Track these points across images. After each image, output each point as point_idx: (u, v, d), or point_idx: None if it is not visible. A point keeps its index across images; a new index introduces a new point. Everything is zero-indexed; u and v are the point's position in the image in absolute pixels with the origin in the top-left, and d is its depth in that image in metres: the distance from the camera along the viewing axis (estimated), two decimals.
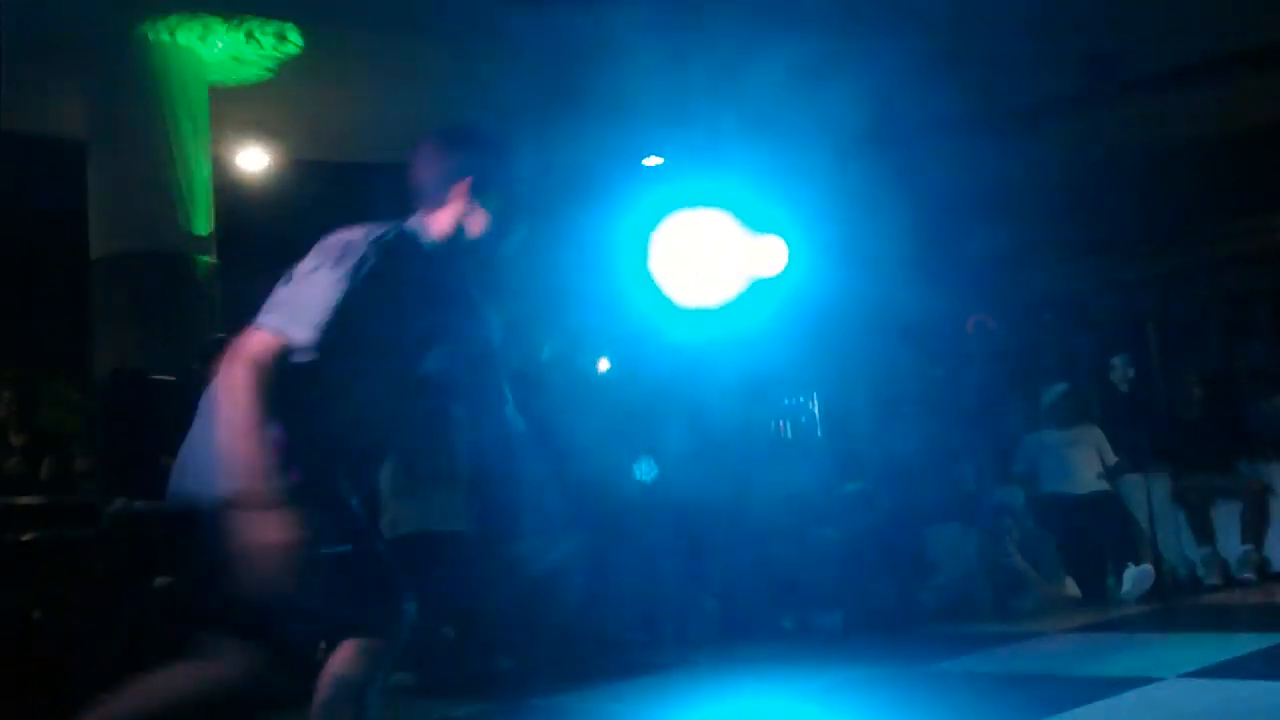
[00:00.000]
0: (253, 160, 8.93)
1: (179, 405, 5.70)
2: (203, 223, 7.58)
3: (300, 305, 2.24)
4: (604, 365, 8.02)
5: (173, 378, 5.92)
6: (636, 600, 6.26)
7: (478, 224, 2.39)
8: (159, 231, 7.37)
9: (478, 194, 2.38)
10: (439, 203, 2.39)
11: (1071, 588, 6.73)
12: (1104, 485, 7.07)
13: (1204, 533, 6.99)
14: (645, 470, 6.37)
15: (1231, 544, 6.93)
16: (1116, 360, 7.87)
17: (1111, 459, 7.19)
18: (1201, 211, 10.62)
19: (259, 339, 2.25)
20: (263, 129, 8.91)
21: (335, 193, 9.27)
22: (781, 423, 8.53)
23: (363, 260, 2.25)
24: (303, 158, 9.43)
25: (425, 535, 5.61)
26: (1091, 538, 6.80)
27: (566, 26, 7.75)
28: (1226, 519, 7.00)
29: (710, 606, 6.49)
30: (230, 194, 8.50)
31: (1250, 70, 10.83)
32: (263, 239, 9.24)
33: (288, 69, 8.12)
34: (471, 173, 2.37)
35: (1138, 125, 11.27)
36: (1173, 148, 11.18)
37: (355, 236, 2.30)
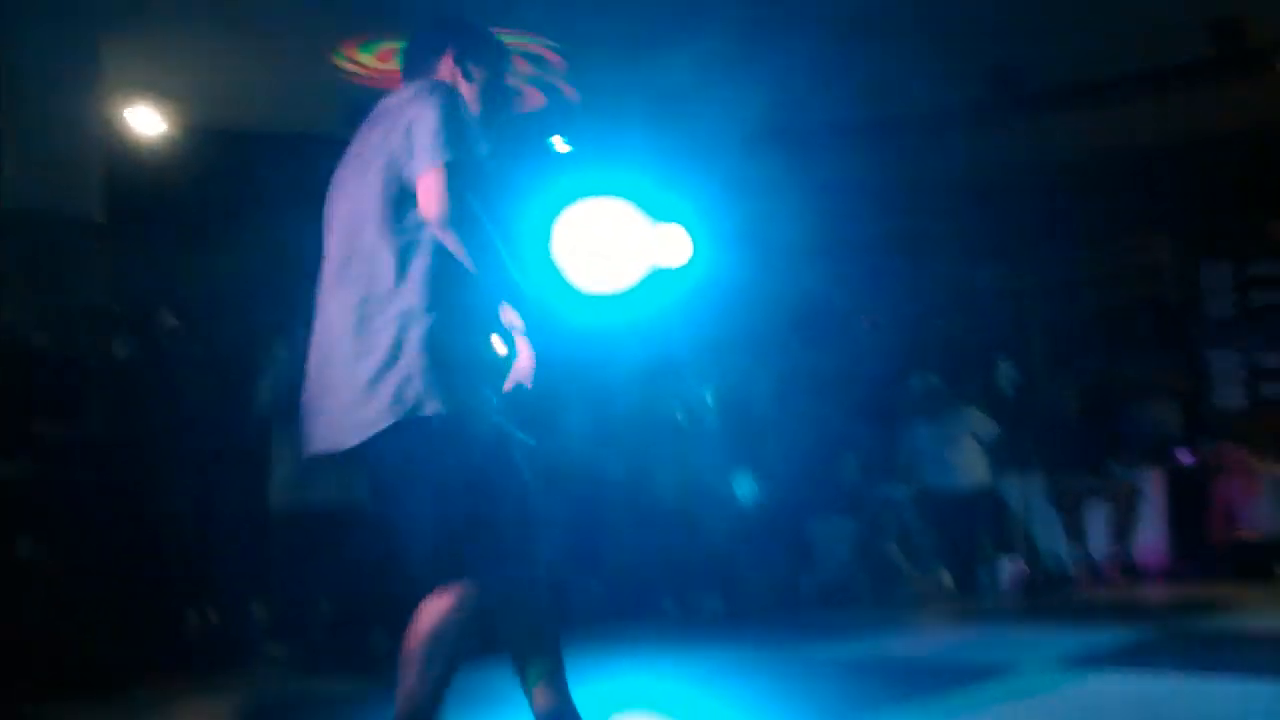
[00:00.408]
0: (147, 123, 8.66)
1: (56, 370, 5.57)
2: (89, 183, 7.32)
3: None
4: (501, 349, 7.97)
5: (50, 342, 5.75)
6: None
7: (465, 95, 2.54)
8: (48, 190, 7.06)
9: (460, 64, 2.59)
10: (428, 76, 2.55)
11: (947, 579, 6.90)
12: (984, 480, 7.27)
13: (1076, 531, 7.24)
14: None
15: (1100, 543, 7.19)
16: (1002, 365, 8.10)
17: (988, 432, 7.33)
18: (1090, 225, 10.95)
19: (434, 177, 2.30)
20: (157, 90, 8.66)
21: (229, 161, 9.07)
22: (678, 410, 8.60)
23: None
24: (199, 124, 9.20)
25: (313, 509, 5.53)
26: (969, 532, 6.99)
27: (473, 8, 7.69)
28: (1098, 519, 7.25)
29: (595, 587, 6.52)
30: (122, 157, 8.25)
31: (1144, 92, 11.19)
32: (154, 205, 9.02)
33: (185, 32, 7.90)
34: (454, 46, 2.60)
35: (1034, 138, 11.56)
36: (1066, 162, 11.50)
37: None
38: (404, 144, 2.34)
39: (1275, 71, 9.84)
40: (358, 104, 10.03)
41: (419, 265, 2.35)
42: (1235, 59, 10.34)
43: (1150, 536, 7.20)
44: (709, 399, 7.77)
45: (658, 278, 7.88)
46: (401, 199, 2.36)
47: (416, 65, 2.61)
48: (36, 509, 5.13)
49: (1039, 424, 7.76)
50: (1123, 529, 7.17)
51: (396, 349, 2.31)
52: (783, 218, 9.78)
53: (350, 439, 2.36)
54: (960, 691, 3.87)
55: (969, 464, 7.27)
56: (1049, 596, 6.73)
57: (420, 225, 2.34)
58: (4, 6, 7.18)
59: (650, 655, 5.35)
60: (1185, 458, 7.54)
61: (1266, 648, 4.63)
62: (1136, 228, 10.78)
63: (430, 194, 2.29)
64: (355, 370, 2.32)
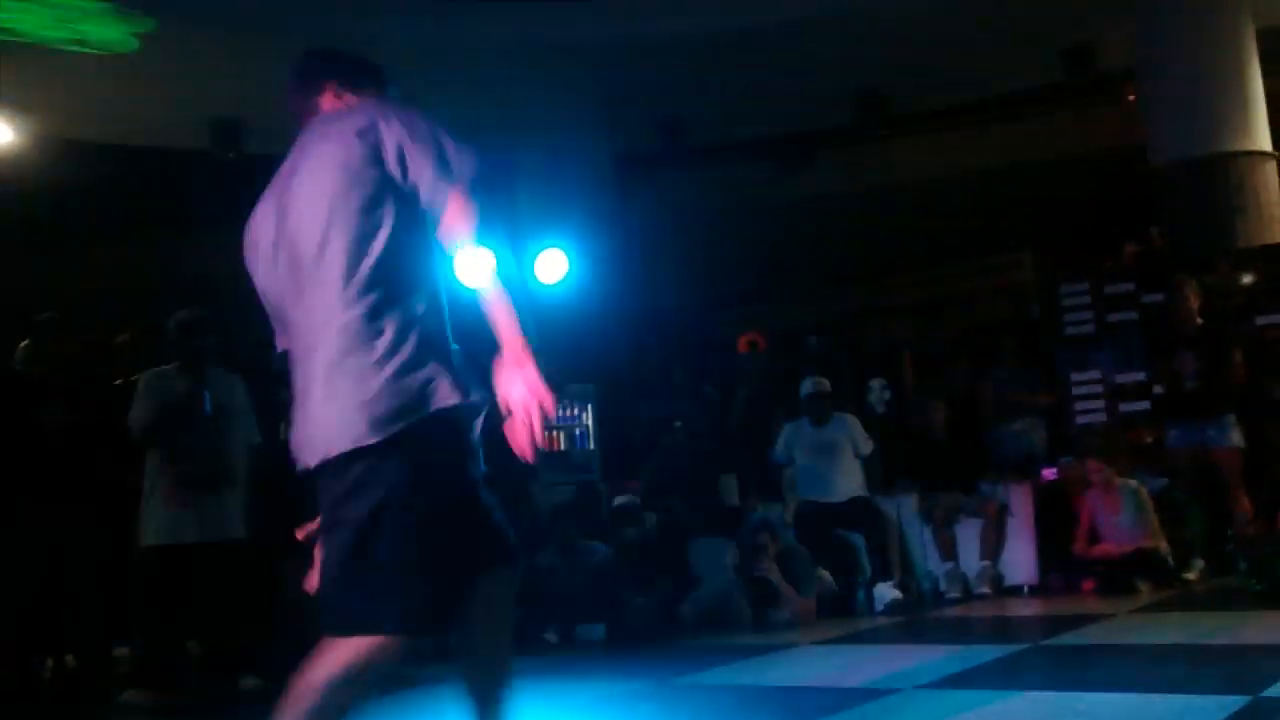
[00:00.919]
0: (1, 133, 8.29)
1: None
2: None
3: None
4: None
5: None
6: None
7: None
8: None
9: (340, 94, 2.64)
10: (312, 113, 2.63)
11: (824, 597, 6.96)
12: (861, 493, 7.36)
13: (947, 549, 7.39)
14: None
15: (971, 560, 7.36)
16: (874, 384, 8.25)
17: (867, 447, 7.44)
18: (955, 246, 11.27)
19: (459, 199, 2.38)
20: (9, 101, 8.28)
21: (83, 174, 8.72)
22: (555, 433, 8.55)
23: None
24: (52, 134, 8.83)
25: (193, 547, 5.28)
26: (845, 549, 7.07)
27: (344, 29, 7.53)
28: (967, 536, 7.42)
29: None
30: None
31: (1003, 115, 11.60)
32: (11, 216, 8.62)
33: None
34: (334, 76, 2.66)
35: (901, 161, 11.88)
36: (931, 184, 11.85)
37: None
38: (395, 163, 2.38)
39: (1125, 97, 10.30)
40: (226, 120, 9.78)
41: (383, 285, 2.37)
42: (1087, 84, 10.80)
43: (1018, 552, 7.39)
44: (588, 422, 7.72)
45: (538, 298, 7.81)
46: (369, 209, 2.37)
47: (300, 96, 2.66)
48: None
49: (911, 443, 7.91)
50: (991, 546, 7.34)
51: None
52: (658, 238, 9.84)
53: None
54: (837, 714, 3.90)
55: (845, 474, 7.34)
56: (923, 615, 6.85)
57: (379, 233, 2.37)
58: None
59: (532, 687, 5.26)
60: (1050, 474, 7.77)
61: (1131, 660, 4.77)
62: (999, 247, 11.14)
63: (460, 213, 2.37)
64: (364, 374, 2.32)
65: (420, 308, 2.38)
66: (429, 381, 2.32)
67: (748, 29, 9.14)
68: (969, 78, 10.73)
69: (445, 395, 2.32)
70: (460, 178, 2.37)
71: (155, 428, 5.26)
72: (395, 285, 2.37)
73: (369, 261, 2.35)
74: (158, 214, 10.09)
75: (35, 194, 8.68)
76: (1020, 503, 7.47)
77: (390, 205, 2.38)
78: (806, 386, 7.47)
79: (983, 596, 7.16)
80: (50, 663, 5.64)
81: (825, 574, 6.88)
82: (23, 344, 5.75)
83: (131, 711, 5.10)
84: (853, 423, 7.52)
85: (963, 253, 11.21)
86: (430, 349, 2.36)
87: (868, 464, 7.50)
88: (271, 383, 5.49)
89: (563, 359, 7.98)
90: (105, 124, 9.16)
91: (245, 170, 8.80)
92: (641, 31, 8.81)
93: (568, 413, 8.45)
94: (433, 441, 2.32)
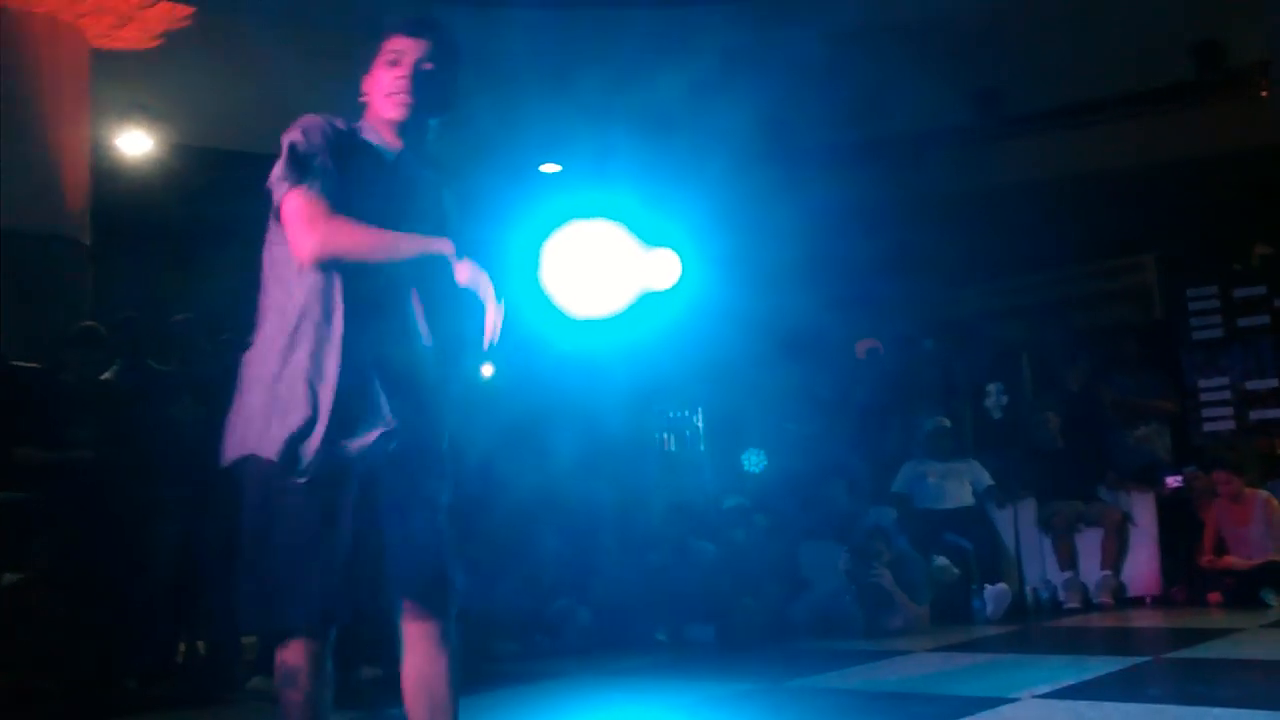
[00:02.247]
0: (133, 142, 8.62)
1: (42, 392, 5.50)
2: (77, 203, 7.28)
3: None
4: (488, 371, 7.96)
5: (36, 364, 5.68)
6: (512, 609, 6.22)
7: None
8: (36, 210, 7.01)
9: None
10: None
11: (936, 603, 6.88)
12: (972, 502, 7.30)
13: (1066, 557, 7.23)
14: (755, 461, 6.29)
15: (1091, 569, 7.18)
16: (991, 388, 8.10)
17: (985, 484, 7.42)
18: (1075, 246, 10.99)
19: (296, 198, 2.26)
20: (145, 110, 8.62)
21: (216, 180, 9.03)
22: (667, 435, 8.59)
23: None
24: (185, 142, 9.16)
25: None
26: (957, 554, 6.99)
27: (462, 29, 7.66)
28: (1087, 545, 7.24)
29: (584, 617, 6.48)
30: (109, 176, 8.21)
31: (1127, 113, 11.27)
32: (139, 224, 8.96)
33: (173, 49, 7.88)
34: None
35: (1020, 160, 11.63)
36: (1051, 183, 11.56)
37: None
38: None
39: (1256, 94, 9.93)
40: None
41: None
42: (1217, 81, 10.44)
43: (1140, 562, 7.19)
44: (699, 424, 7.75)
45: (647, 301, 7.86)
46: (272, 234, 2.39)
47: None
48: (21, 535, 5.07)
49: (1029, 449, 7.77)
50: (1112, 555, 7.16)
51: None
52: (773, 240, 9.79)
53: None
54: None
55: (960, 490, 7.29)
56: (1040, 624, 6.72)
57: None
58: None
59: (641, 686, 5.32)
60: (1174, 482, 7.54)
61: (1260, 677, 4.62)
62: (1122, 249, 10.84)
63: (288, 223, 2.31)
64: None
65: (280, 341, 2.32)
66: (236, 429, 2.37)
67: (861, 28, 9.07)
68: (1090, 75, 10.46)
69: (237, 449, 2.36)
70: (291, 178, 2.26)
71: None
72: (266, 318, 2.35)
73: (261, 289, 2.38)
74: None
75: (170, 200, 9.02)
76: (1143, 511, 7.27)
77: (273, 227, 2.36)
78: (929, 425, 7.50)
79: (1102, 607, 6.99)
80: (183, 647, 5.87)
81: (948, 563, 6.79)
82: (158, 343, 6.01)
83: (256, 697, 5.29)
84: (974, 465, 7.57)
85: (1084, 254, 10.93)
86: (265, 391, 2.33)
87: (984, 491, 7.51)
88: None
89: (674, 360, 8.03)
90: (233, 131, 9.48)
91: None
92: (750, 40, 8.80)
93: (680, 413, 8.49)
94: (241, 486, 2.37)
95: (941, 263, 11.07)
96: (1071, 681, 4.48)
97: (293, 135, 2.30)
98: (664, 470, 7.86)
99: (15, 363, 5.61)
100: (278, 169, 2.28)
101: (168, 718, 4.97)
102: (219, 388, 5.81)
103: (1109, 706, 4.02)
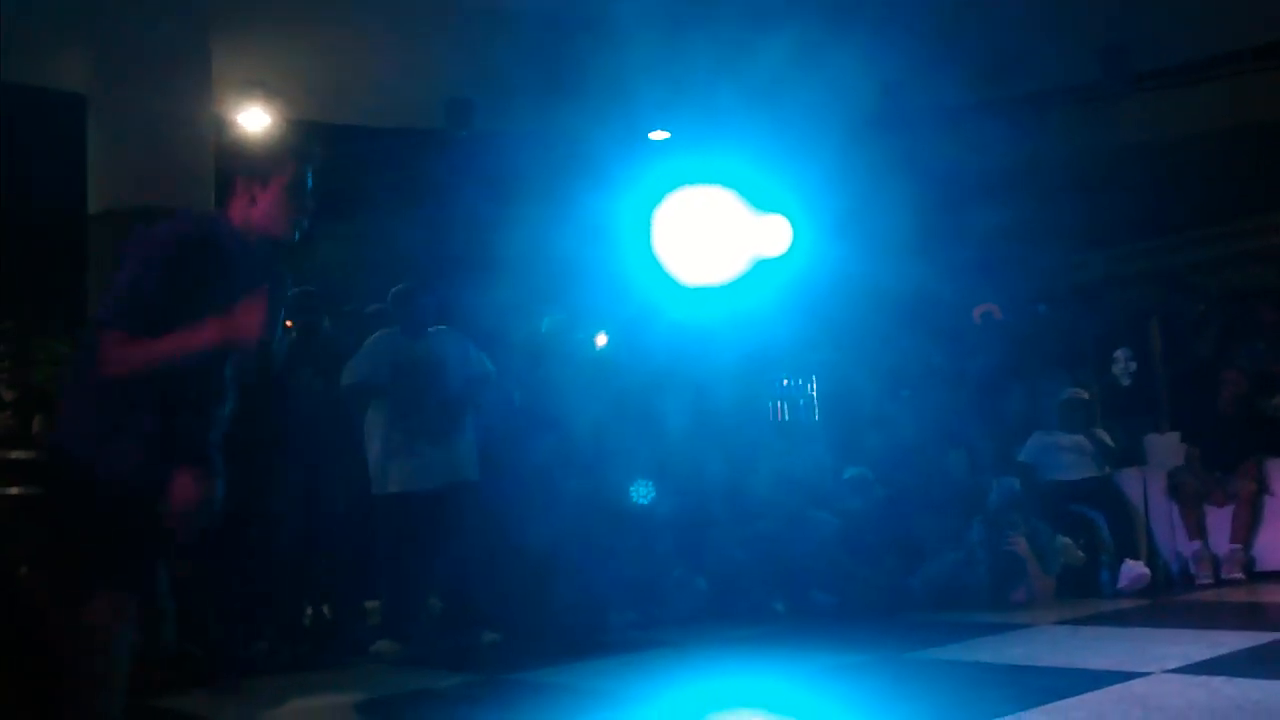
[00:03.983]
0: (252, 119, 8.82)
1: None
2: (203, 180, 7.48)
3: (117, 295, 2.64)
4: (601, 340, 7.98)
5: None
6: (629, 578, 6.25)
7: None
8: (158, 187, 7.21)
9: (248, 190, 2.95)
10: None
11: (1065, 575, 6.70)
12: (1101, 474, 7.08)
13: (1195, 527, 6.98)
14: (643, 493, 6.37)
15: (1222, 541, 6.92)
16: (1119, 354, 7.83)
17: (1111, 451, 7.19)
18: (1206, 208, 10.58)
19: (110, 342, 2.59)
20: (263, 86, 8.81)
21: (333, 155, 9.19)
22: (780, 404, 8.50)
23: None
24: (301, 118, 9.34)
25: (418, 495, 5.61)
26: (1085, 526, 6.80)
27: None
28: (1219, 516, 6.98)
29: (701, 585, 6.48)
30: (229, 153, 8.41)
31: (1259, 67, 10.77)
32: None
33: (291, 29, 8.03)
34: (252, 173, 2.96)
35: (1146, 118, 11.20)
36: (1180, 142, 11.12)
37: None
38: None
39: None
40: (459, 100, 10.13)
41: None
42: None
43: (1276, 535, 6.90)
44: (813, 393, 7.65)
45: (760, 268, 7.79)
46: None
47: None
48: None
49: (1195, 412, 7.44)
50: (1244, 527, 6.88)
51: None
52: (887, 204, 9.60)
53: None
54: (1076, 697, 3.74)
55: (1088, 460, 7.08)
56: (1170, 598, 6.51)
57: None
58: (115, 6, 7.36)
59: (758, 655, 5.30)
60: None
61: None
62: (1254, 209, 10.39)
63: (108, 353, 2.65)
64: None
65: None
66: None
67: None
68: (1219, 28, 10.01)
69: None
70: (108, 318, 2.61)
71: (372, 382, 5.67)
72: None
73: None
74: (393, 191, 10.57)
75: None
76: (1276, 482, 6.97)
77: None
78: (1064, 394, 7.31)
79: (1234, 581, 6.73)
80: (309, 611, 6.04)
81: (1070, 543, 6.62)
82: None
83: (380, 660, 5.42)
84: (1103, 435, 7.31)
85: (1214, 216, 10.51)
86: None
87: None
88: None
89: (788, 328, 7.94)
90: (347, 106, 9.64)
91: (475, 147, 9.14)
92: None
93: (793, 382, 8.40)
94: None
95: (1065, 227, 10.74)
96: (1205, 657, 4.32)
97: (135, 270, 2.65)
98: (777, 439, 7.76)
99: None
100: (109, 302, 2.63)
101: (296, 680, 5.11)
102: (338, 360, 6.01)
103: (1245, 683, 3.87)
